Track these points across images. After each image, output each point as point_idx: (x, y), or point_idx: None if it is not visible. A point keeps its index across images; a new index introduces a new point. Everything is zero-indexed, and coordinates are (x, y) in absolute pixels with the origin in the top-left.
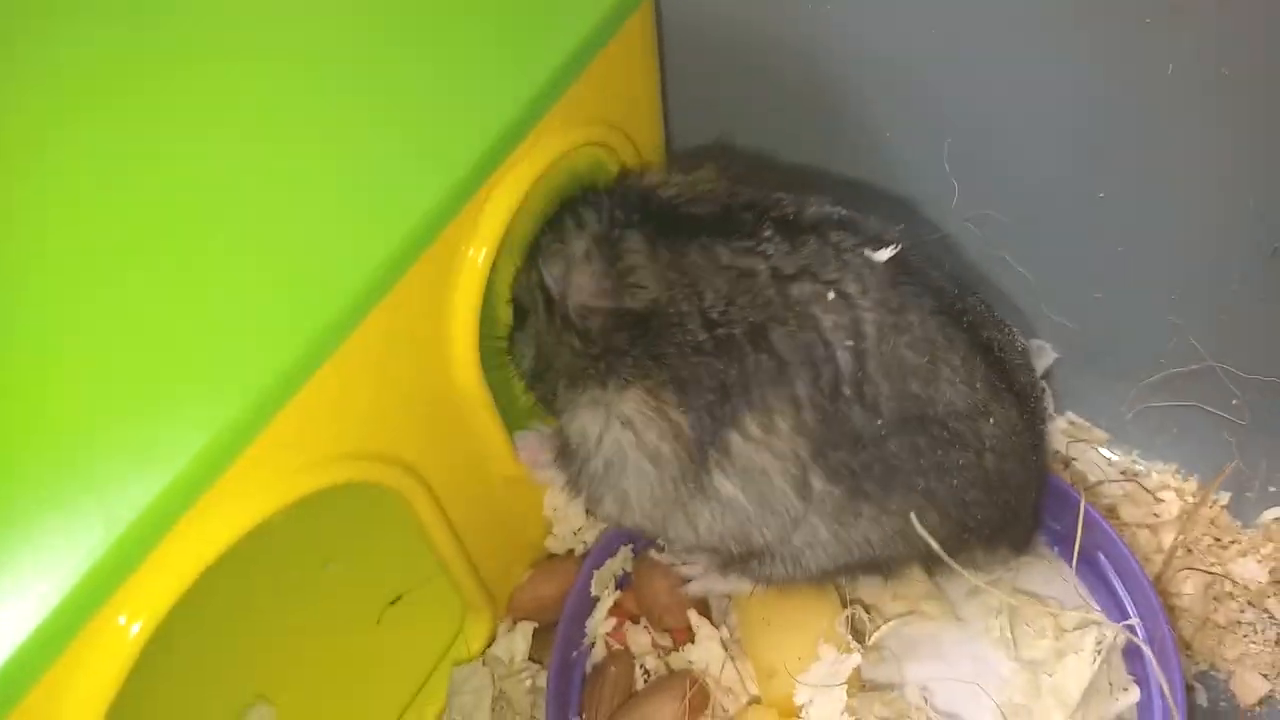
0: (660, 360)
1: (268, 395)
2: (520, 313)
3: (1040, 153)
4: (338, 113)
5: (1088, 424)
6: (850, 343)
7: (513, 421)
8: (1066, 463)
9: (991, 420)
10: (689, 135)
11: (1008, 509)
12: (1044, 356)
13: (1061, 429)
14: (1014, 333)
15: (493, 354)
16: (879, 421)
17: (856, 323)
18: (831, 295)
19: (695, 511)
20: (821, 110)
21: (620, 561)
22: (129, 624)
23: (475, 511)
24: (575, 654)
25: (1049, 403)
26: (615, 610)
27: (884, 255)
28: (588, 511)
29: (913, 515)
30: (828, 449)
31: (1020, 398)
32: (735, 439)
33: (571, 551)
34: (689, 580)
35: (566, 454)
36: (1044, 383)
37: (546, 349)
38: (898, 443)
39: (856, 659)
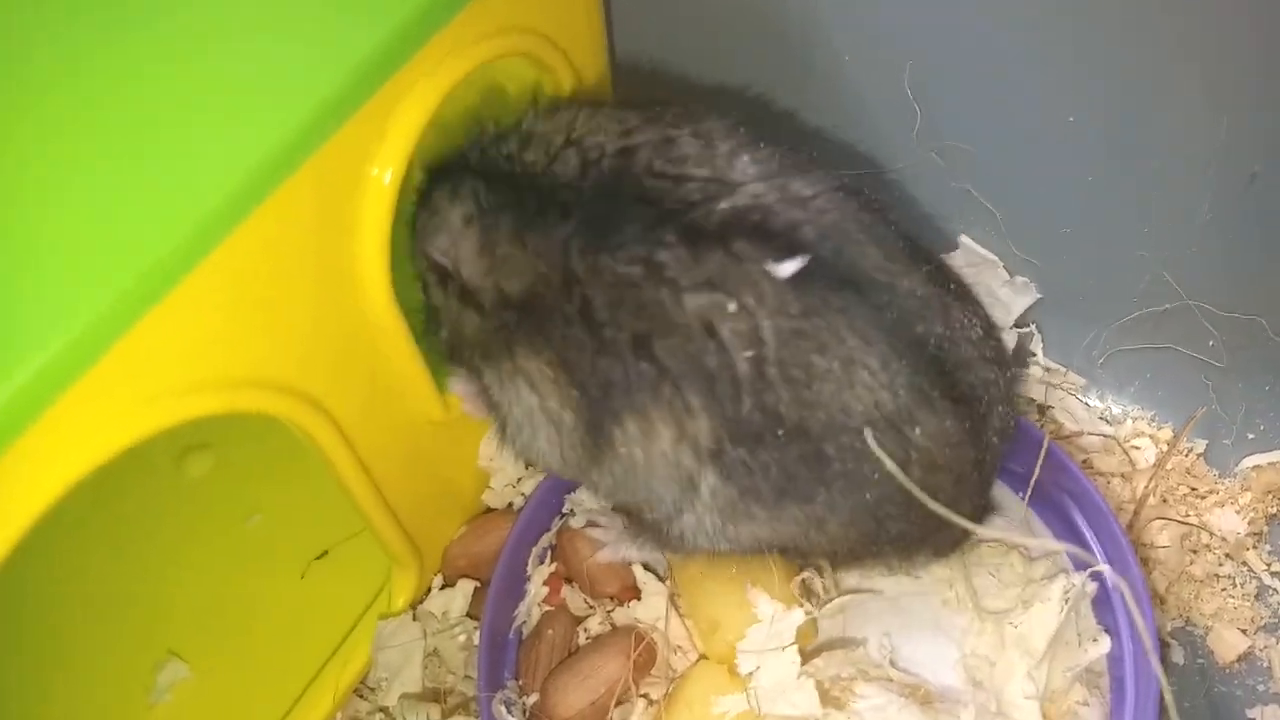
0: (548, 340)
1: (121, 303)
2: (426, 292)
3: (1007, 75)
4: None
5: (1061, 369)
6: (749, 352)
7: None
8: (1043, 410)
9: (918, 430)
10: (634, 53)
11: (930, 521)
12: (1025, 294)
13: (1036, 376)
14: (976, 317)
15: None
16: (779, 429)
17: (755, 330)
18: (733, 306)
19: (597, 478)
20: (774, 30)
21: (549, 536)
22: None
23: (397, 457)
24: (512, 615)
25: (1035, 345)
26: (549, 579)
27: (788, 269)
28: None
29: (868, 433)
30: (726, 445)
31: (962, 403)
32: (616, 433)
33: (510, 505)
34: (602, 546)
35: (492, 406)
36: (1032, 326)
37: (453, 323)
38: (800, 450)
39: (799, 616)
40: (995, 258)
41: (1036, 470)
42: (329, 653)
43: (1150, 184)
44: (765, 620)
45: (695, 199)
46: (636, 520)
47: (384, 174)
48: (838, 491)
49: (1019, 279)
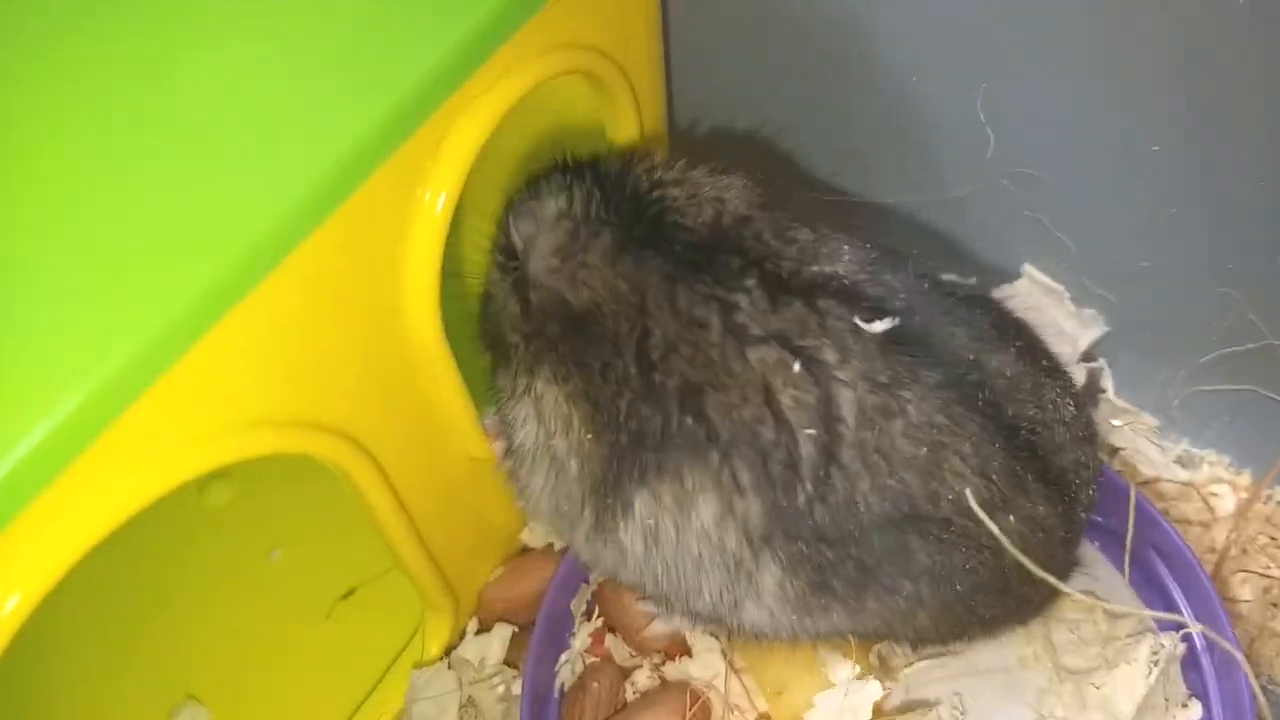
0: (585, 370)
1: (160, 341)
2: (489, 272)
3: (1088, 99)
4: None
5: (1133, 409)
6: (812, 431)
7: (486, 399)
8: (1112, 452)
9: (1012, 517)
10: (693, 74)
11: (1022, 601)
12: (1093, 327)
13: (1104, 416)
14: (1068, 395)
15: (463, 323)
16: (854, 523)
17: (828, 402)
18: (797, 367)
19: (600, 549)
20: (836, 51)
21: (594, 579)
22: (1, 599)
23: (435, 496)
24: (554, 666)
25: (1105, 381)
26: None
27: (878, 327)
28: None
29: (968, 494)
30: (779, 539)
31: (1055, 485)
32: (641, 498)
33: (550, 545)
34: (650, 619)
35: (504, 434)
36: (1102, 361)
37: (496, 311)
38: (881, 542)
39: (876, 689)
40: (1061, 288)
41: (1130, 531)
42: (358, 700)
43: (1236, 218)
44: (840, 687)
45: (789, 256)
46: None
47: (436, 199)
48: (925, 585)
49: (1086, 311)
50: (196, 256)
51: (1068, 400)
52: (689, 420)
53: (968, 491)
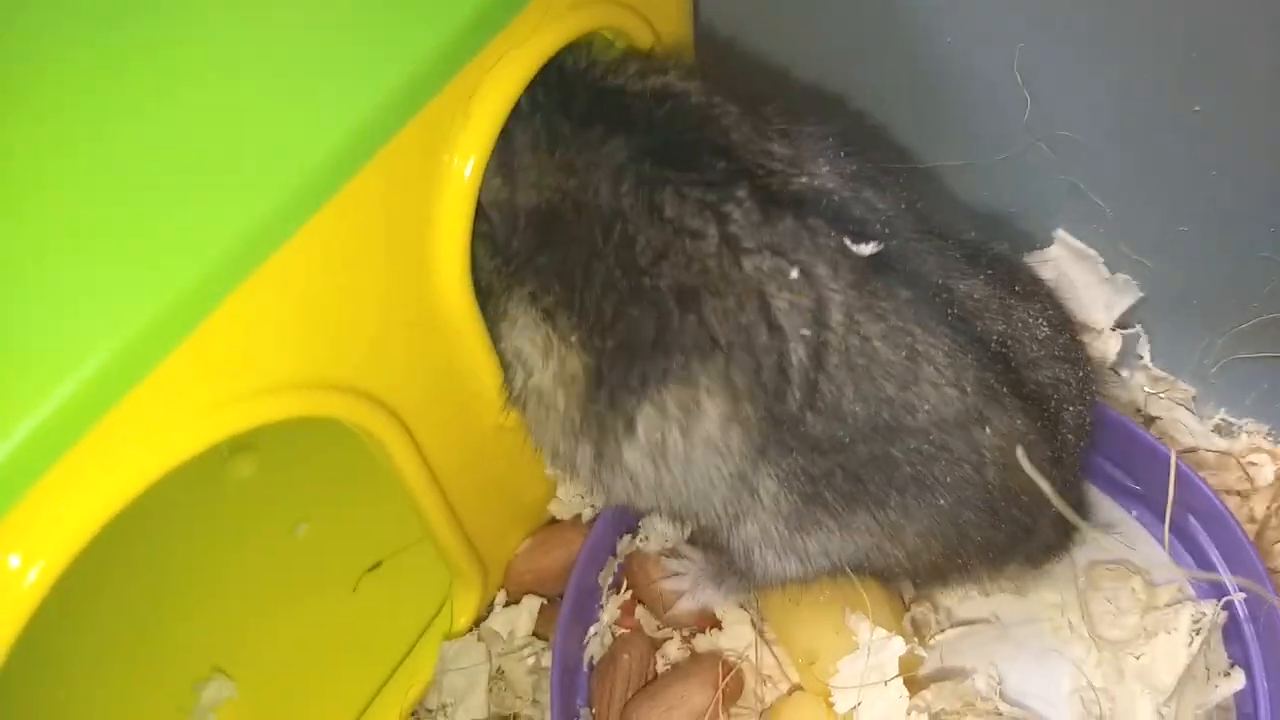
0: (563, 278)
1: (183, 303)
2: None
3: (1128, 59)
4: None
5: (1169, 377)
6: (807, 331)
7: None
8: (1149, 420)
9: (988, 429)
10: (722, 36)
11: (1018, 526)
12: (1126, 292)
13: (1140, 384)
14: (1042, 316)
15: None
16: (841, 430)
17: (821, 306)
18: (795, 273)
19: (605, 482)
20: (871, 11)
21: (620, 551)
22: (24, 567)
23: (465, 464)
24: (583, 639)
25: (1141, 349)
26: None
27: (865, 250)
28: None
29: (1019, 451)
30: (774, 449)
31: (1032, 400)
32: (646, 412)
33: (579, 517)
34: (678, 596)
35: (505, 377)
36: (1138, 327)
37: (479, 256)
38: (867, 452)
39: (899, 644)
40: (1095, 253)
41: (1170, 499)
42: (386, 673)
43: (1278, 181)
44: (862, 648)
45: (775, 168)
46: (716, 554)
47: (464, 164)
48: (911, 496)
49: (1120, 276)
50: (221, 214)
51: (1041, 321)
52: (691, 318)
53: (1019, 449)
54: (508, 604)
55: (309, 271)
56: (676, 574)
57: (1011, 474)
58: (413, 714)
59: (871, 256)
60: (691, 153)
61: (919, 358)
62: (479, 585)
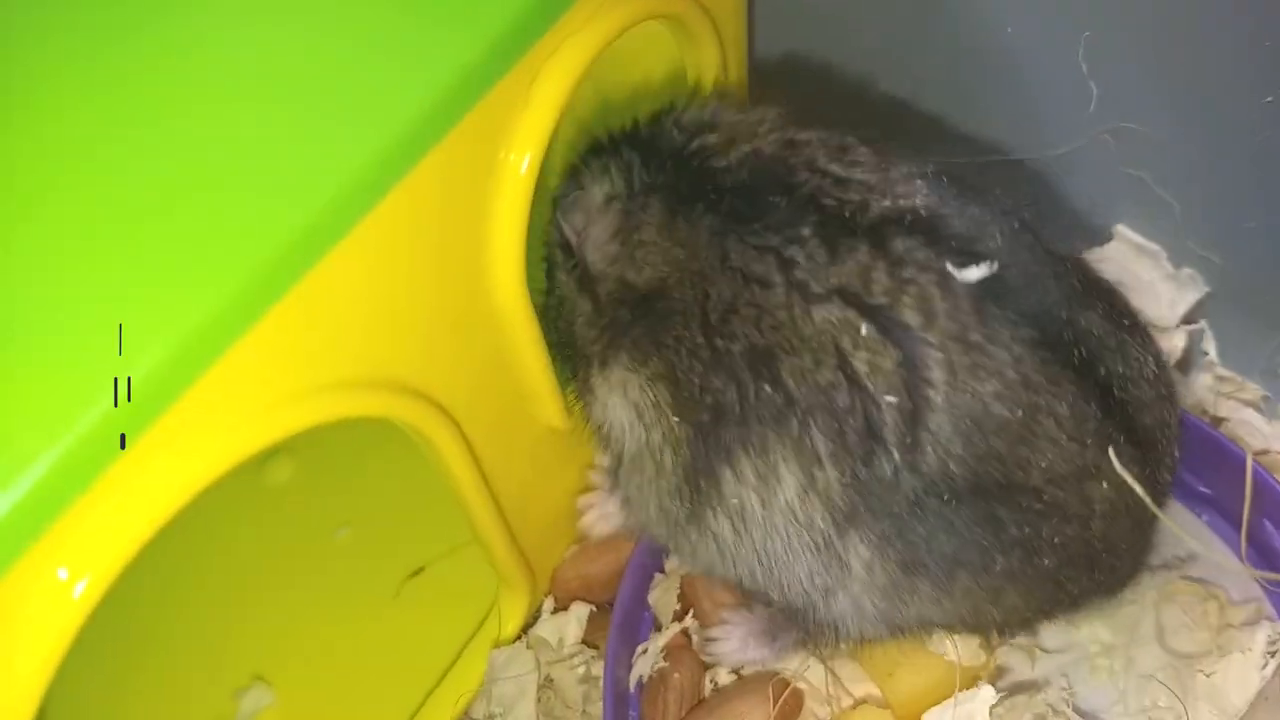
0: (661, 349)
1: (236, 304)
2: (550, 274)
3: (1199, 47)
4: None
5: (1237, 377)
6: (893, 399)
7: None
8: (1216, 422)
9: (1105, 483)
10: (777, 25)
11: (1111, 573)
12: (1191, 288)
13: (1206, 384)
14: (1149, 352)
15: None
16: (946, 493)
17: (912, 365)
18: (865, 329)
19: (695, 539)
20: None
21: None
22: (71, 580)
23: (516, 467)
24: (633, 654)
25: (1208, 346)
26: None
27: (973, 275)
28: None
29: (1111, 453)
30: (865, 516)
31: (1143, 447)
32: (727, 478)
33: None
34: (718, 653)
35: (601, 441)
36: (1203, 323)
37: (567, 312)
38: (971, 514)
39: (990, 694)
40: (1158, 248)
41: (1247, 506)
42: (432, 682)
43: None
44: (948, 703)
45: (851, 197)
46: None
47: (520, 160)
48: (1016, 559)
49: (1185, 271)
50: (277, 211)
51: (1149, 356)
52: (766, 387)
53: (1111, 451)
54: (555, 611)
55: (365, 270)
56: (725, 624)
57: (1114, 524)
58: None
59: (980, 285)
60: (756, 195)
61: (1038, 412)
62: (527, 591)
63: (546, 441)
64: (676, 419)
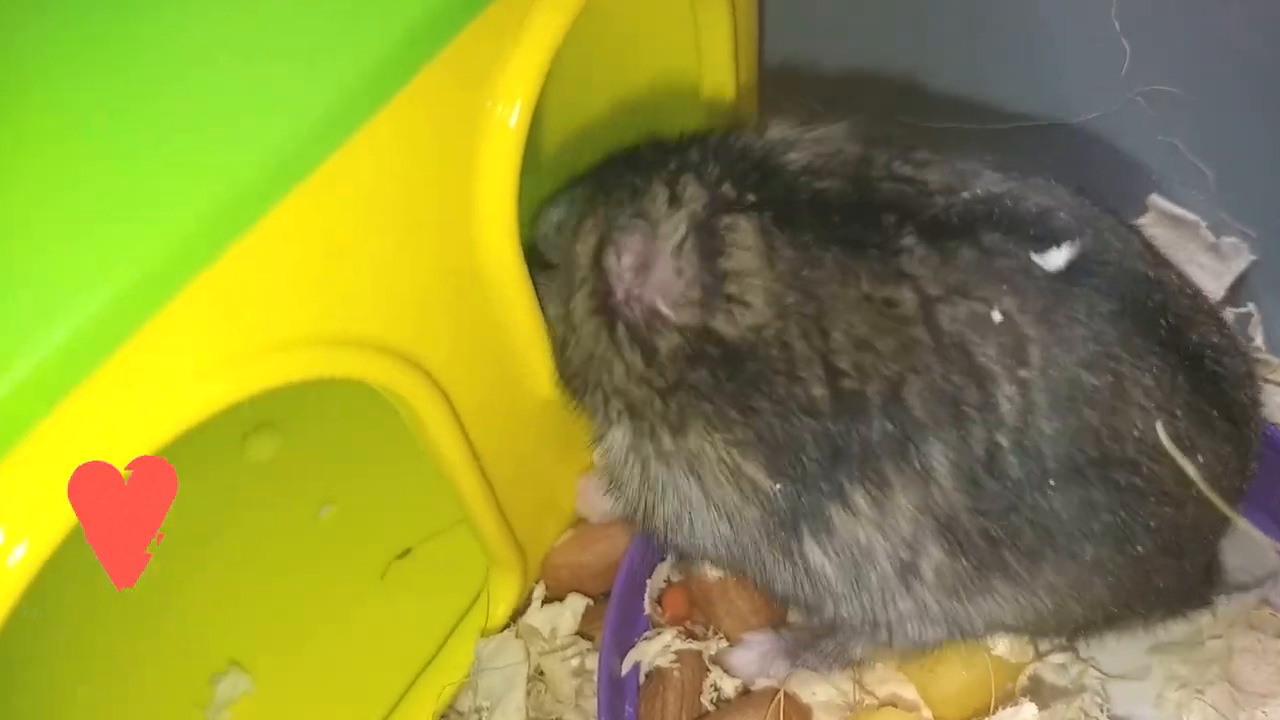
0: (750, 414)
1: (184, 246)
2: (545, 263)
3: (1238, 6)
4: None
5: (1273, 359)
6: (1024, 373)
7: None
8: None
9: (1200, 458)
10: None
11: (1196, 569)
12: (1236, 257)
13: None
14: (1225, 325)
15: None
16: (1040, 476)
17: (1022, 345)
18: (997, 316)
19: (773, 573)
20: None
21: (667, 570)
22: (7, 543)
23: (507, 440)
24: (629, 647)
25: (1254, 330)
26: (668, 597)
27: (1058, 260)
28: None
29: (1159, 426)
30: (965, 517)
31: (1235, 425)
32: (839, 513)
33: None
34: (735, 666)
35: (612, 488)
36: (1250, 306)
37: (585, 348)
38: (1064, 498)
39: (1030, 711)
40: (1196, 218)
41: None
42: (416, 670)
43: None
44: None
45: (935, 202)
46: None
47: (509, 111)
48: (1107, 547)
49: (1226, 240)
50: (237, 145)
51: (1230, 334)
52: (889, 425)
53: (1158, 424)
54: (548, 600)
55: (330, 216)
56: (747, 641)
57: (1205, 511)
58: (443, 717)
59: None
60: (867, 214)
61: (1125, 381)
62: (518, 575)
63: (540, 414)
64: (770, 481)
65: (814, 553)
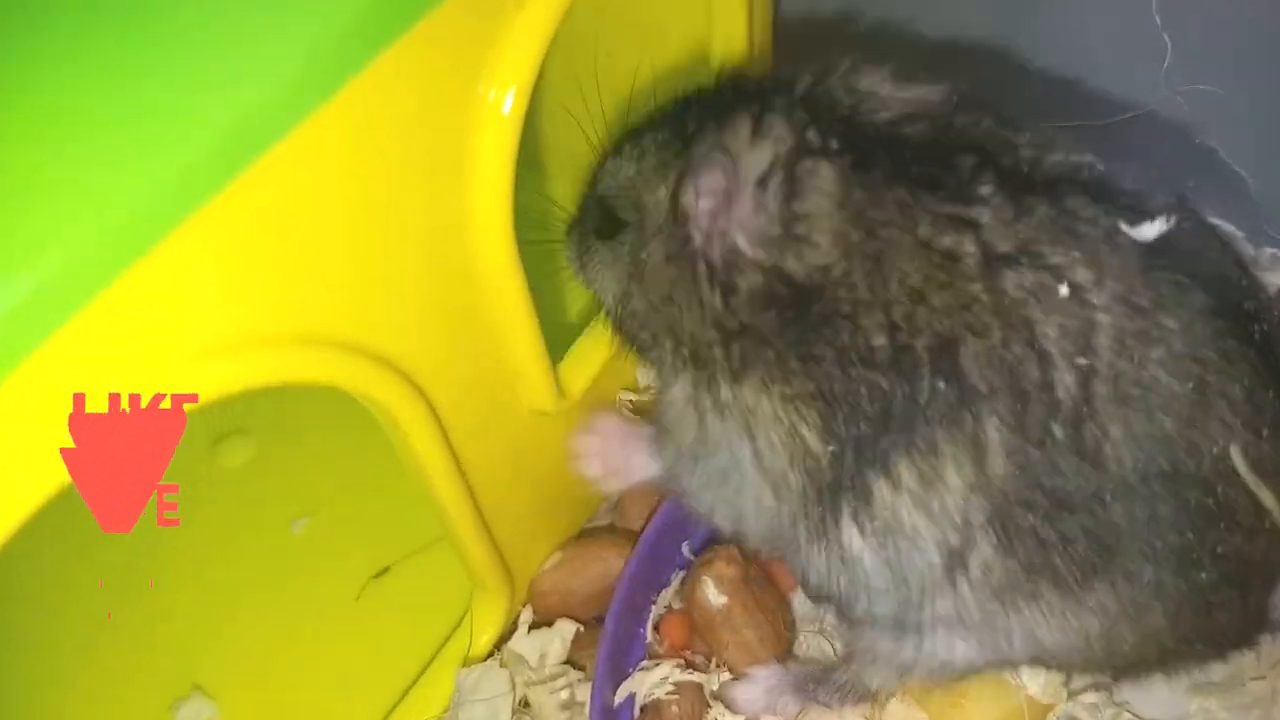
0: (810, 364)
1: (125, 227)
2: (611, 220)
3: None
4: None
5: None
6: (1083, 360)
7: (556, 340)
8: None
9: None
10: None
11: (1257, 606)
12: (1278, 270)
13: None
14: None
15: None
16: (1101, 480)
17: (1088, 329)
18: (1064, 290)
19: (808, 558)
20: None
21: (668, 596)
22: None
23: (496, 453)
24: (624, 675)
25: None
26: (667, 623)
27: (1151, 231)
28: None
29: (1234, 450)
30: (1016, 509)
31: None
32: (881, 488)
33: (612, 527)
34: (738, 700)
35: (664, 437)
36: None
37: (658, 295)
38: (1126, 509)
39: None
40: (1233, 229)
41: None
42: (393, 699)
43: None
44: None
45: (1024, 153)
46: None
47: (503, 96)
48: (1169, 571)
49: (1267, 251)
50: (184, 118)
51: None
52: (940, 384)
53: (1234, 448)
54: (536, 625)
55: (294, 201)
56: (753, 674)
57: (1277, 545)
58: None
59: (1152, 247)
60: (942, 156)
61: (1209, 390)
62: (504, 598)
63: (532, 426)
64: (822, 442)
65: (852, 536)
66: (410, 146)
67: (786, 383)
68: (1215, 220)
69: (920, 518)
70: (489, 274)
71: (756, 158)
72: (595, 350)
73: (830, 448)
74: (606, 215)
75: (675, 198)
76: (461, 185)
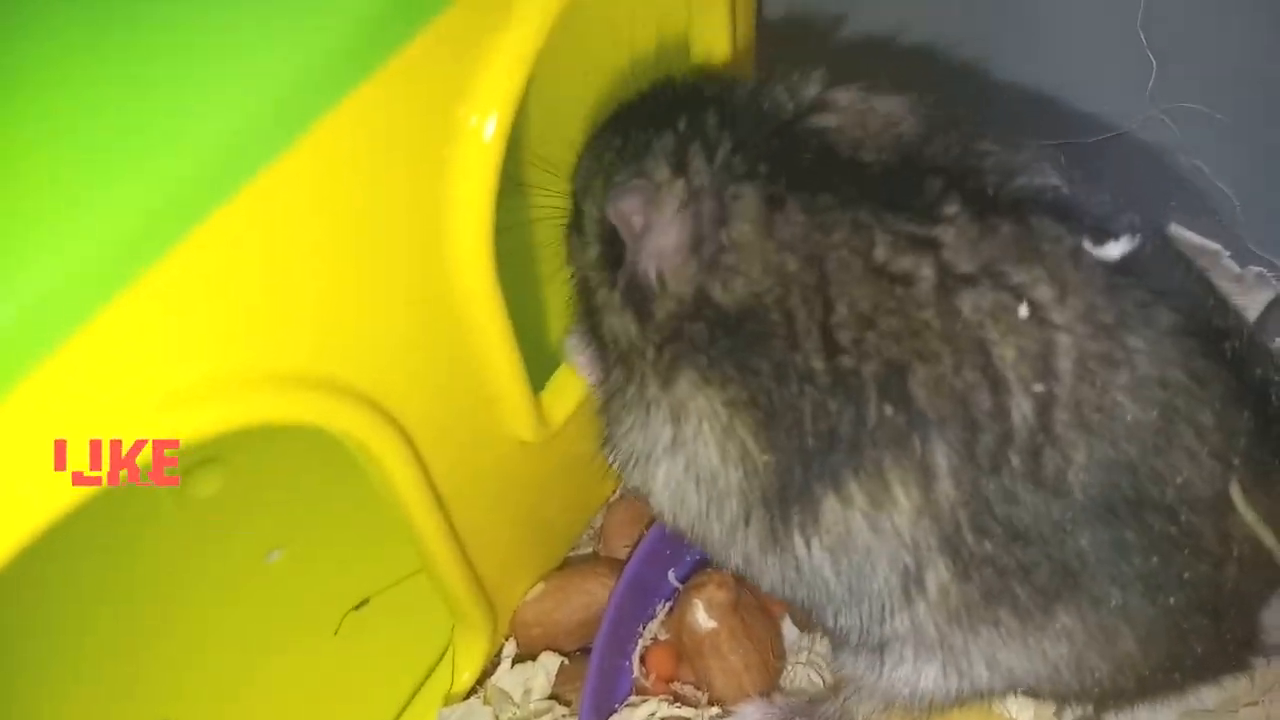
0: (747, 373)
1: (97, 268)
2: (579, 215)
3: (1275, 25)
4: None
5: None
6: (1040, 387)
7: (537, 368)
8: None
9: (1253, 515)
10: None
11: (1235, 635)
12: (1261, 288)
13: None
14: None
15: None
16: (1063, 508)
17: (1048, 351)
18: (1024, 310)
19: (759, 567)
20: None
21: (654, 628)
22: None
23: (476, 485)
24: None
25: None
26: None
27: (1115, 250)
28: None
29: (1234, 487)
30: (969, 535)
31: None
32: (830, 504)
33: (595, 555)
34: None
35: (611, 440)
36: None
37: (595, 297)
38: (1091, 535)
39: None
40: (1218, 247)
41: None
42: None
43: None
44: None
45: (989, 171)
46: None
47: (485, 122)
48: (1136, 596)
49: (1252, 269)
50: (154, 154)
51: None
52: (888, 409)
53: (1233, 485)
54: (519, 659)
55: (269, 235)
56: (742, 709)
57: (1249, 572)
58: None
59: (1117, 266)
60: (905, 179)
61: (1177, 415)
62: (486, 633)
63: (514, 456)
64: (761, 452)
65: (801, 545)
66: (389, 177)
67: (723, 388)
68: (1199, 238)
69: (871, 536)
70: (469, 302)
71: (675, 189)
72: (577, 379)
73: (769, 457)
74: (577, 210)
75: (602, 214)
76: (441, 214)
